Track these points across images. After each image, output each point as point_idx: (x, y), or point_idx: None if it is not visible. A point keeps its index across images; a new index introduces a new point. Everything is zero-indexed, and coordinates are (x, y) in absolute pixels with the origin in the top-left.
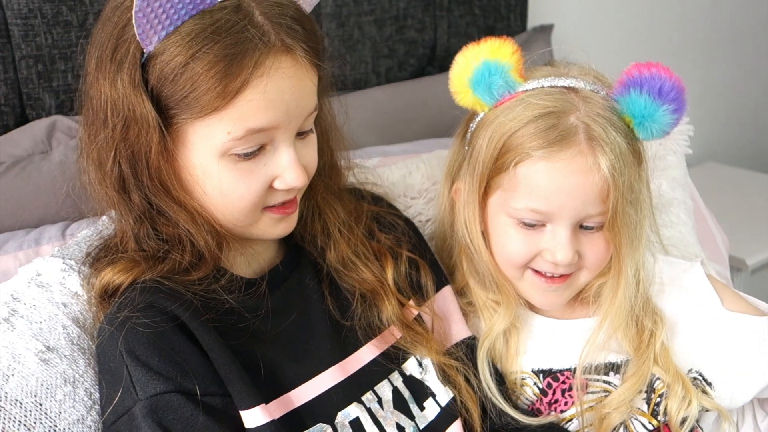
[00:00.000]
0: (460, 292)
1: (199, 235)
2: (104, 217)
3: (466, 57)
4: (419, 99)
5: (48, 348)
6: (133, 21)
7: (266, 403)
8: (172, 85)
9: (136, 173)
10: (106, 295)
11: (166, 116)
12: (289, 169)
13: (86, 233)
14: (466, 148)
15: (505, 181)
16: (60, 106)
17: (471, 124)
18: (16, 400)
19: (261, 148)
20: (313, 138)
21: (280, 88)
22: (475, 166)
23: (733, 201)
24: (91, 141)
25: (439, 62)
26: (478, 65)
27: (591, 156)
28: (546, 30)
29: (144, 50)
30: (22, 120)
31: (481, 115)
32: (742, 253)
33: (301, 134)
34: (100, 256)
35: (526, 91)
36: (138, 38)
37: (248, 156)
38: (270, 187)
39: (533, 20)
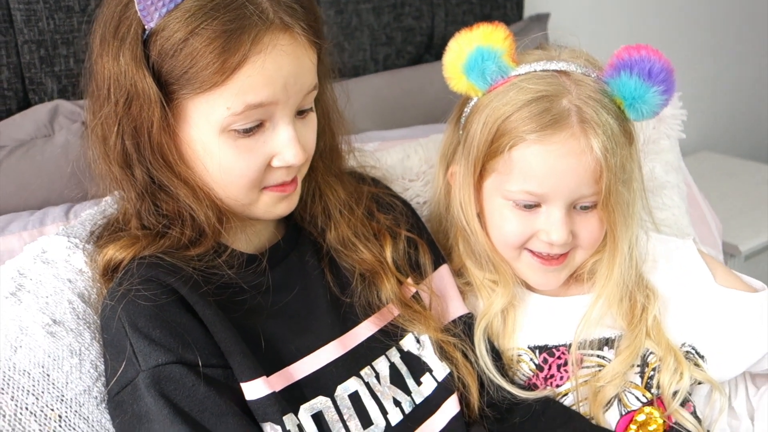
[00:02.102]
0: (458, 273)
1: (200, 210)
2: (108, 198)
3: (460, 43)
4: (417, 86)
5: (54, 321)
6: None
7: (267, 376)
8: (173, 61)
9: (138, 148)
10: (109, 271)
11: (167, 92)
12: (287, 146)
13: (90, 213)
14: (461, 132)
15: (500, 164)
16: (62, 91)
17: (465, 109)
18: (24, 370)
19: (260, 126)
20: (313, 118)
21: (279, 64)
22: (470, 150)
23: (727, 189)
24: (95, 116)
25: (436, 50)
26: (472, 51)
27: (584, 138)
28: (542, 19)
29: (145, 27)
30: (25, 104)
31: (475, 100)
32: (735, 239)
33: (301, 113)
34: (102, 235)
35: (519, 75)
36: (139, 14)
37: (248, 132)
38: (269, 166)
39: (529, 9)
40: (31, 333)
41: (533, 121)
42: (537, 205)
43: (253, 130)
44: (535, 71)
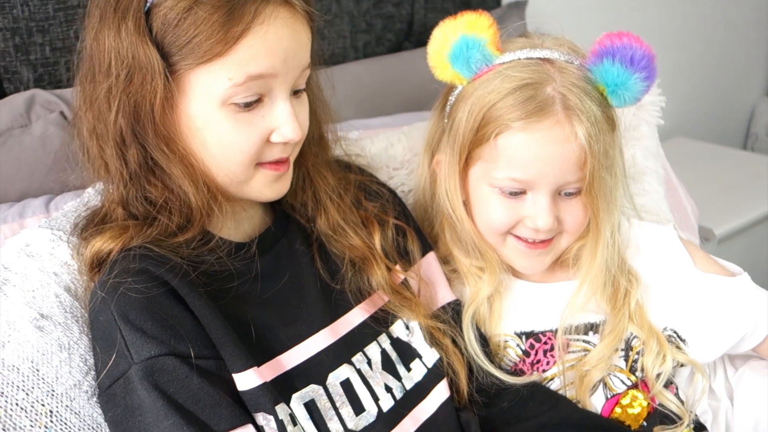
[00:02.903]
0: (444, 261)
1: (191, 189)
2: (89, 189)
3: (444, 32)
4: (398, 73)
5: (42, 315)
6: None
7: (258, 366)
8: (176, 31)
9: (137, 124)
10: (97, 262)
11: (169, 63)
12: (286, 121)
13: (73, 205)
14: (446, 120)
15: (486, 152)
16: (38, 80)
17: (450, 97)
18: (13, 365)
19: (259, 101)
20: (306, 99)
21: (279, 35)
22: (455, 138)
23: (701, 174)
24: (88, 97)
25: (416, 37)
26: (456, 40)
27: (568, 125)
28: (520, 6)
29: None
30: (0, 94)
31: (460, 88)
32: (710, 223)
33: (295, 93)
34: (87, 226)
35: (503, 63)
36: None
37: (247, 107)
38: (267, 142)
39: None
40: (18, 328)
41: (518, 108)
42: (523, 192)
43: (253, 104)
44: (519, 59)
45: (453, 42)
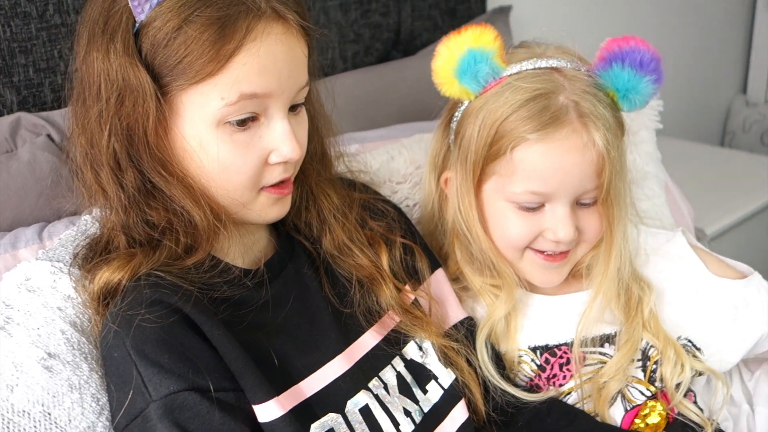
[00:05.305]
0: (454, 279)
1: (195, 209)
2: (85, 216)
3: (449, 47)
4: (388, 83)
5: (49, 355)
6: None
7: (278, 395)
8: (166, 51)
9: (131, 148)
10: (107, 294)
11: (160, 85)
12: (284, 141)
13: (69, 234)
14: (452, 137)
15: (502, 166)
16: (22, 102)
17: (455, 114)
18: (24, 410)
19: (255, 120)
20: (304, 114)
21: (273, 53)
22: (466, 154)
23: (687, 173)
24: (80, 121)
25: (403, 45)
26: (463, 54)
27: (585, 132)
28: (504, 11)
29: (136, 19)
30: None
31: (465, 103)
32: (700, 222)
33: (293, 109)
34: (89, 257)
35: (511, 75)
36: (130, 5)
37: (242, 125)
38: (266, 164)
39: (492, 2)
40: (26, 369)
41: (533, 120)
42: (541, 205)
43: (248, 123)
44: (527, 69)
45: (459, 56)
